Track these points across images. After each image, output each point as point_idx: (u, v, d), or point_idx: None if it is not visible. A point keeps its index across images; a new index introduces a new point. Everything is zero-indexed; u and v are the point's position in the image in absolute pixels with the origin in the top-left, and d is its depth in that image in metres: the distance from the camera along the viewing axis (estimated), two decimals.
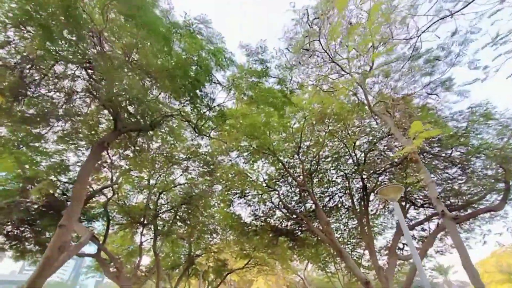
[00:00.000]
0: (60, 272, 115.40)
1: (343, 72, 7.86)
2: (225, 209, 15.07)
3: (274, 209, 15.42)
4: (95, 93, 6.28)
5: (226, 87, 6.24)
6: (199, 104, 6.38)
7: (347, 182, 14.03)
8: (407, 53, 6.78)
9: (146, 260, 17.72)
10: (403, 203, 12.16)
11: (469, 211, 10.44)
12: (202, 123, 7.37)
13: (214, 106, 6.63)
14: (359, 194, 13.70)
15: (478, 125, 7.54)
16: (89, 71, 5.75)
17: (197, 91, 6.05)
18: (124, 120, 6.88)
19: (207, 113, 6.87)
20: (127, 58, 5.19)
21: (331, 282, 16.83)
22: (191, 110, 6.92)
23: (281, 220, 15.51)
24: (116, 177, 10.23)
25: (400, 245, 12.88)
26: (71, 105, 8.23)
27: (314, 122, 11.15)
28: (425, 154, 10.39)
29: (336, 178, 14.69)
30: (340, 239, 15.39)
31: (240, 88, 6.32)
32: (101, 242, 10.72)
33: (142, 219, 10.96)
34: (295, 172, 14.19)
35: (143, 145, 8.98)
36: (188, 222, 11.82)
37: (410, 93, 7.56)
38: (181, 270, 15.29)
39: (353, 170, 13.80)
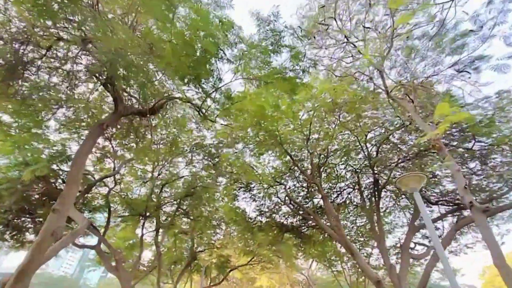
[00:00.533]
0: (64, 266, 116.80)
1: (358, 55, 7.33)
2: (229, 204, 14.66)
3: (280, 205, 14.96)
4: (95, 72, 5.89)
5: (233, 63, 5.77)
6: (204, 83, 5.94)
7: (356, 178, 13.50)
8: (430, 32, 6.21)
9: (148, 255, 17.43)
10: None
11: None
12: (207, 107, 6.93)
13: (220, 87, 6.18)
14: (369, 190, 13.14)
15: (506, 113, 6.93)
16: (89, 46, 5.34)
17: (203, 68, 5.60)
18: (125, 102, 6.47)
19: (213, 94, 6.42)
20: (126, 24, 4.77)
21: (337, 281, 16.27)
22: (195, 90, 6.48)
23: (286, 216, 15.04)
24: (118, 166, 9.86)
25: (412, 245, 12.30)
26: (73, 88, 7.89)
27: (324, 113, 10.62)
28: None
29: (345, 173, 14.16)
30: (347, 237, 14.86)
31: (248, 67, 5.87)
32: (102, 234, 10.40)
33: (144, 211, 10.58)
34: (303, 166, 13.68)
35: (145, 133, 8.58)
36: (191, 216, 11.39)
37: (433, 74, 6.96)
38: (183, 265, 14.92)
39: (364, 164, 13.27)
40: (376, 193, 10.94)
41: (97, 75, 6.42)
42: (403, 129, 10.74)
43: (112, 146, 11.31)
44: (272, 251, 18.28)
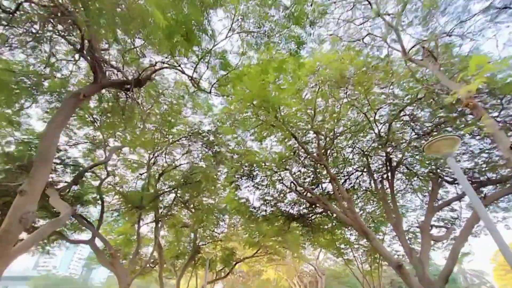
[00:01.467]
0: (72, 267, 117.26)
1: (369, 13, 6.41)
2: (231, 194, 13.88)
3: (285, 193, 14.18)
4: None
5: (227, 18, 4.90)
6: (197, 44, 5.08)
7: (365, 160, 12.68)
8: None
9: (151, 251, 16.76)
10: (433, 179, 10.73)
11: None
12: (200, 76, 6.07)
13: (214, 46, 5.31)
14: (380, 173, 12.31)
15: None
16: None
17: (192, 25, 4.73)
18: (105, 72, 5.61)
19: (206, 58, 5.55)
20: None
21: (349, 269, 15.56)
22: (186, 58, 5.61)
23: (292, 204, 14.27)
24: (109, 154, 9.05)
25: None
26: (51, 65, 7.03)
27: (330, 89, 9.73)
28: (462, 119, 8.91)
29: (353, 156, 13.32)
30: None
31: (245, 19, 5.00)
32: (96, 228, 9.65)
33: (140, 203, 9.81)
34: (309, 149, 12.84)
35: (134, 111, 7.72)
36: (191, 205, 10.60)
37: (459, 24, 6.04)
38: (186, 259, 14.23)
39: (375, 145, 12.43)
40: (390, 172, 10.09)
41: (73, 41, 5.55)
42: (416, 103, 9.86)
43: (103, 136, 10.51)
44: (278, 242, 17.61)
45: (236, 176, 13.33)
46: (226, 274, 16.94)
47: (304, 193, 12.48)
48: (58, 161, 10.38)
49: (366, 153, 12.60)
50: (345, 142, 13.30)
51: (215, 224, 15.14)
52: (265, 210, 14.15)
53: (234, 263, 16.25)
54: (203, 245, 14.94)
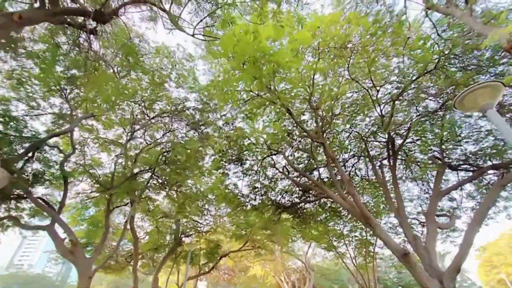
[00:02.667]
0: (49, 266, 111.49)
1: None
2: (218, 180, 12.66)
3: (276, 179, 13.14)
4: None
5: None
6: None
7: (363, 146, 11.85)
8: None
9: (124, 242, 15.21)
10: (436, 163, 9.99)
11: None
12: (178, 14, 4.86)
13: None
14: (379, 158, 11.50)
15: None
16: None
17: None
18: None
19: None
20: None
21: (342, 263, 14.70)
22: None
23: (283, 193, 13.24)
24: (74, 123, 7.64)
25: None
26: None
27: (330, 57, 8.73)
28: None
29: (350, 142, 12.46)
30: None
31: None
32: (57, 211, 8.19)
33: (111, 184, 8.41)
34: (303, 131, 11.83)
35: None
36: (171, 187, 9.26)
37: None
38: (166, 252, 12.90)
39: (374, 129, 11.62)
40: (393, 155, 9.23)
41: None
42: (426, 76, 9.04)
43: (70, 106, 9.05)
44: (267, 235, 16.57)
45: (224, 162, 12.16)
46: (210, 268, 15.70)
47: (299, 179, 11.49)
48: (14, 132, 8.85)
49: (364, 138, 11.81)
50: (342, 126, 12.47)
51: (199, 213, 13.90)
52: (254, 198, 13.06)
53: (219, 257, 15.04)
54: (185, 236, 13.65)
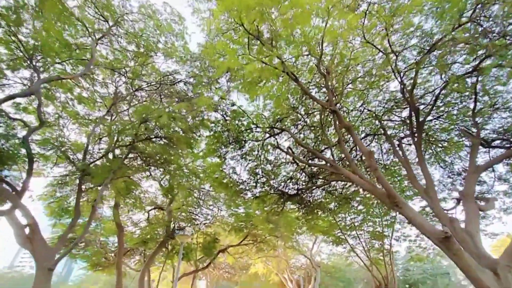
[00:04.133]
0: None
1: None
2: (214, 168, 11.27)
3: (279, 165, 11.74)
4: None
5: None
6: None
7: (378, 124, 10.49)
8: None
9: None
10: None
11: None
12: None
13: None
14: (398, 136, 10.09)
15: None
16: None
17: None
18: None
19: None
20: None
21: (356, 255, 13.21)
22: None
23: (287, 180, 11.82)
24: (35, 83, 6.26)
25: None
26: None
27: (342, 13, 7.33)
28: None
29: (362, 121, 11.08)
30: (367, 200, 11.81)
31: None
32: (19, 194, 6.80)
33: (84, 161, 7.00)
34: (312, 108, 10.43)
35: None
36: (156, 163, 7.79)
37: None
38: (157, 246, 11.50)
39: (392, 101, 10.24)
40: (419, 126, 7.82)
41: None
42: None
43: (36, 68, 7.64)
44: (269, 229, 15.15)
45: (220, 145, 10.76)
46: (207, 264, 14.29)
47: (306, 157, 10.10)
48: None
49: (378, 115, 10.46)
50: (352, 106, 11.13)
51: (192, 199, 12.50)
52: (255, 186, 11.65)
53: (217, 252, 13.64)
54: (179, 229, 12.26)
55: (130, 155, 7.79)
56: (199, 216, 12.80)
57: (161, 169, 7.68)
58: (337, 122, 8.86)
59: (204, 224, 13.24)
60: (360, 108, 10.85)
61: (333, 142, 10.42)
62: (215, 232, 13.72)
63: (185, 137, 7.41)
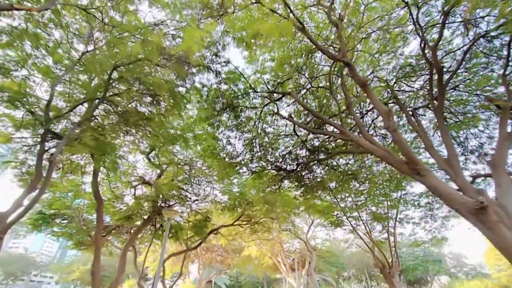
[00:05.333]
0: (44, 248, 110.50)
1: None
2: (206, 136, 10.16)
3: (278, 138, 10.70)
4: None
5: None
6: None
7: (390, 93, 9.46)
8: None
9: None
10: None
11: None
12: None
13: None
14: (411, 107, 9.07)
15: None
16: None
17: None
18: None
19: None
20: None
21: (358, 236, 12.46)
22: None
23: (287, 155, 10.81)
24: None
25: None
26: None
27: None
28: None
29: (373, 88, 9.98)
30: (373, 178, 10.91)
31: None
32: None
33: (45, 114, 5.74)
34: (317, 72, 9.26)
35: None
36: (138, 125, 6.54)
37: None
38: (142, 223, 10.54)
39: (402, 72, 9.20)
40: (440, 92, 6.75)
41: None
42: None
43: None
44: (265, 210, 14.30)
45: (212, 113, 9.61)
46: (198, 244, 13.49)
47: (311, 124, 9.07)
48: None
49: (389, 83, 9.43)
50: (361, 73, 10.01)
51: (185, 180, 11.51)
52: (251, 160, 10.64)
53: (209, 231, 12.79)
54: (167, 206, 11.31)
55: (103, 112, 6.60)
56: (189, 193, 11.81)
57: (141, 129, 6.50)
58: (345, 86, 7.79)
59: (195, 202, 12.28)
60: (370, 76, 9.80)
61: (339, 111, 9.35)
62: (207, 210, 12.80)
63: (168, 86, 6.20)
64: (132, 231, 12.68)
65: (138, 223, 10.92)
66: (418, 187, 11.60)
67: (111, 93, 6.20)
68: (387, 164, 10.75)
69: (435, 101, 7.25)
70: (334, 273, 35.28)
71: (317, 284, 19.15)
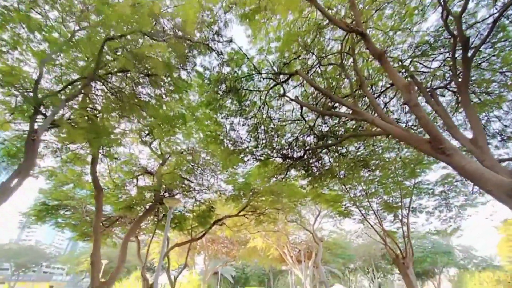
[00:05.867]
0: (56, 242, 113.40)
1: None
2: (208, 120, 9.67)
3: (284, 124, 10.16)
4: None
5: None
6: None
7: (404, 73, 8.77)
8: None
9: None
10: None
11: None
12: None
13: None
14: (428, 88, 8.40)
15: None
16: None
17: None
18: None
19: None
20: None
21: (370, 226, 11.92)
22: None
23: (293, 142, 10.28)
24: None
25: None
26: None
27: None
28: None
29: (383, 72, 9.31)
30: (391, 165, 10.32)
31: None
32: None
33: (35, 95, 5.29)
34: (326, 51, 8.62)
35: None
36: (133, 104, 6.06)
37: None
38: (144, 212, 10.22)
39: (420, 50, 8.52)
40: (463, 65, 6.09)
41: None
42: None
43: None
44: (270, 201, 13.90)
45: (215, 98, 9.10)
46: (202, 234, 13.21)
47: (319, 104, 8.51)
48: None
49: (405, 64, 8.77)
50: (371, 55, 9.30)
51: (188, 170, 11.12)
52: (256, 146, 10.15)
53: (213, 222, 12.47)
54: (171, 194, 10.97)
55: (98, 91, 6.13)
56: (192, 182, 11.43)
57: (136, 111, 6.02)
58: (357, 64, 7.19)
59: (198, 192, 11.91)
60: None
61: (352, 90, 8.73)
62: (211, 200, 12.44)
63: (166, 65, 5.70)
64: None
65: (141, 213, 10.62)
66: (432, 175, 10.97)
67: (105, 72, 5.73)
68: (399, 151, 10.15)
69: (459, 78, 6.59)
70: (341, 264, 35.07)
71: (324, 275, 18.87)
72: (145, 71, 5.62)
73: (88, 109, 6.48)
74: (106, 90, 5.85)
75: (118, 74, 5.80)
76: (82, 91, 5.16)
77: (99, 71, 5.62)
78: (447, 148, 4.72)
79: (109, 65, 5.38)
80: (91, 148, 6.78)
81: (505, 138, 8.62)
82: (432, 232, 12.59)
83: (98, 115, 6.35)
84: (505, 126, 8.56)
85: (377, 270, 41.97)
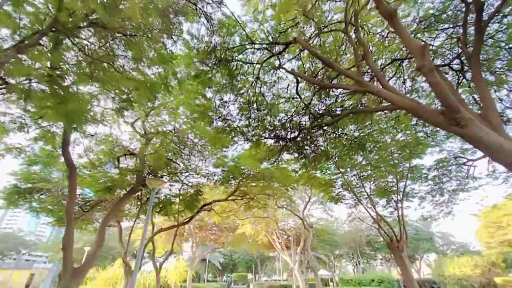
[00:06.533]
0: (39, 229, 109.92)
1: None
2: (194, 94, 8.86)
3: (277, 102, 9.50)
4: None
5: None
6: None
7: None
8: None
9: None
10: None
11: None
12: None
13: None
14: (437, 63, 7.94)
15: None
16: None
17: None
18: None
19: None
20: None
21: (365, 208, 11.69)
22: None
23: (287, 121, 9.67)
24: None
25: None
26: None
27: None
28: None
29: (388, 45, 8.80)
30: (389, 146, 9.92)
31: None
32: None
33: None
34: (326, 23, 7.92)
35: None
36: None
37: None
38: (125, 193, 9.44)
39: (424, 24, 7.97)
40: (476, 32, 5.58)
41: None
42: None
43: None
44: (261, 187, 13.40)
45: (203, 70, 8.27)
46: (189, 219, 12.62)
47: (319, 77, 7.90)
48: None
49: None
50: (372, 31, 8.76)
51: (173, 150, 10.34)
52: (247, 125, 9.48)
53: (201, 206, 11.86)
54: (155, 175, 10.20)
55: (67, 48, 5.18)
56: (178, 164, 10.69)
57: (114, 77, 5.11)
58: (360, 33, 6.57)
59: (185, 175, 11.20)
60: (384, 33, 8.54)
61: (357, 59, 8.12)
62: (199, 184, 11.78)
63: (144, 15, 4.83)
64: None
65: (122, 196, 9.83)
66: (426, 159, 10.78)
67: (71, 26, 4.78)
68: (398, 132, 9.78)
69: (467, 48, 6.11)
70: (328, 251, 35.77)
71: (313, 259, 18.95)
72: (121, 29, 4.72)
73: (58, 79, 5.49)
74: (75, 49, 4.89)
75: (89, 28, 4.87)
76: (39, 41, 4.22)
77: (66, 22, 4.67)
78: (463, 118, 4.25)
79: (78, 12, 4.45)
80: (54, 116, 5.85)
81: (505, 120, 8.37)
82: (425, 216, 12.58)
83: (71, 86, 5.39)
84: (506, 107, 8.29)
85: (362, 256, 43.29)
